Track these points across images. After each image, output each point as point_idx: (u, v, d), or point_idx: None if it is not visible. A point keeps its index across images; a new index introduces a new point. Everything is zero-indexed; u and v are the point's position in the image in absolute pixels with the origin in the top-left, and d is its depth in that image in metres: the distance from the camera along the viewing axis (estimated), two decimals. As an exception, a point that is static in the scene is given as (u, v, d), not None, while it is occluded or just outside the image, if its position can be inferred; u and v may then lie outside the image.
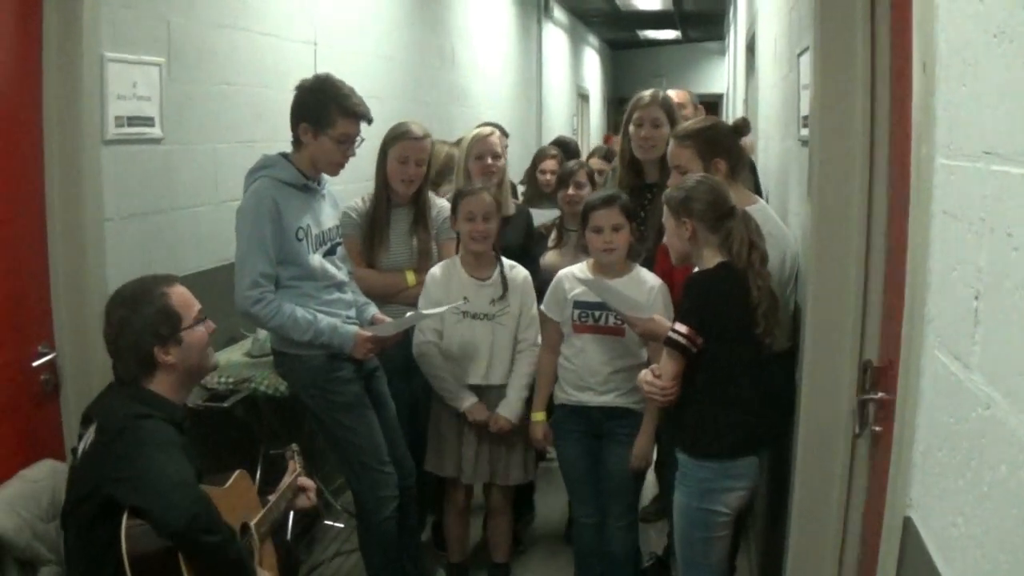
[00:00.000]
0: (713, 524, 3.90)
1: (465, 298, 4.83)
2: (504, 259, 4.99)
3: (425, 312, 4.72)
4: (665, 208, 3.94)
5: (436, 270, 4.98)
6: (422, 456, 5.10)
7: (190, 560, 2.99)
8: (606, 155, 6.93)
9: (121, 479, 3.01)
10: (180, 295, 3.48)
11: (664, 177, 5.03)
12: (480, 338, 4.90)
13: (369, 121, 4.47)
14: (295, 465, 3.98)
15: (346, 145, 4.40)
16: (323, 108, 4.34)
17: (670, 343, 3.78)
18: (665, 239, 4.04)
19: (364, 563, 4.90)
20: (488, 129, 5.73)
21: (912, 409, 1.94)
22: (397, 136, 5.13)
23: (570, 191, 5.60)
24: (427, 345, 4.89)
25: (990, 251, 1.52)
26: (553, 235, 5.72)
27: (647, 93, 5.33)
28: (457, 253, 5.03)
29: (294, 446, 4.09)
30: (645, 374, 3.93)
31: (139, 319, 3.37)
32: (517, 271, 4.99)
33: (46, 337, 4.07)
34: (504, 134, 6.36)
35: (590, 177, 5.76)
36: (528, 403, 5.00)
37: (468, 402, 4.89)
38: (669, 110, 5.24)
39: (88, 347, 4.06)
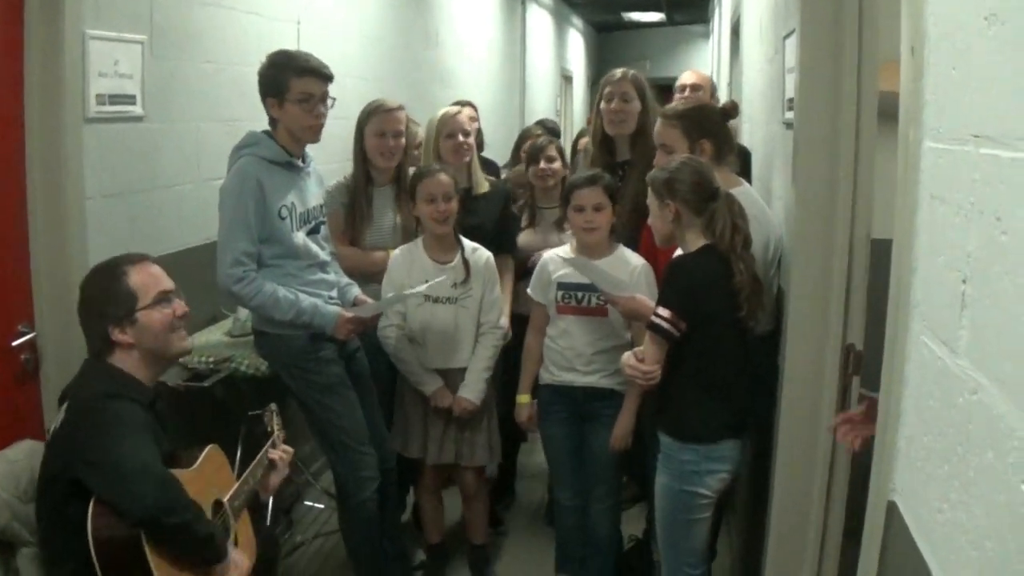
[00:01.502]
0: (695, 507, 3.90)
1: (427, 281, 4.80)
2: (465, 241, 4.98)
3: (407, 292, 4.71)
4: (649, 189, 3.93)
5: (398, 252, 4.98)
6: (403, 437, 5.08)
7: (158, 543, 2.98)
8: None
9: (86, 463, 2.99)
10: (142, 274, 3.41)
11: (636, 155, 5.12)
12: (443, 322, 4.90)
13: (329, 78, 4.42)
14: (272, 428, 3.96)
15: (311, 104, 4.35)
16: (279, 76, 4.33)
17: (653, 327, 3.77)
18: (649, 220, 4.02)
19: (344, 544, 4.91)
20: (455, 108, 5.72)
21: (897, 394, 1.93)
22: (371, 112, 5.16)
23: (541, 165, 5.59)
24: (391, 329, 4.89)
25: (979, 235, 1.51)
26: (525, 214, 5.71)
27: (618, 71, 5.43)
28: (418, 236, 5.02)
29: (272, 406, 4.06)
30: (628, 357, 3.92)
31: (97, 297, 3.35)
32: (479, 253, 4.99)
33: (26, 316, 4.05)
34: (472, 107, 6.38)
35: (560, 153, 5.74)
36: (496, 385, 5.06)
37: (433, 386, 4.89)
38: (640, 86, 5.32)
39: (68, 327, 4.02)
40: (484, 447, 5.03)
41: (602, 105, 5.34)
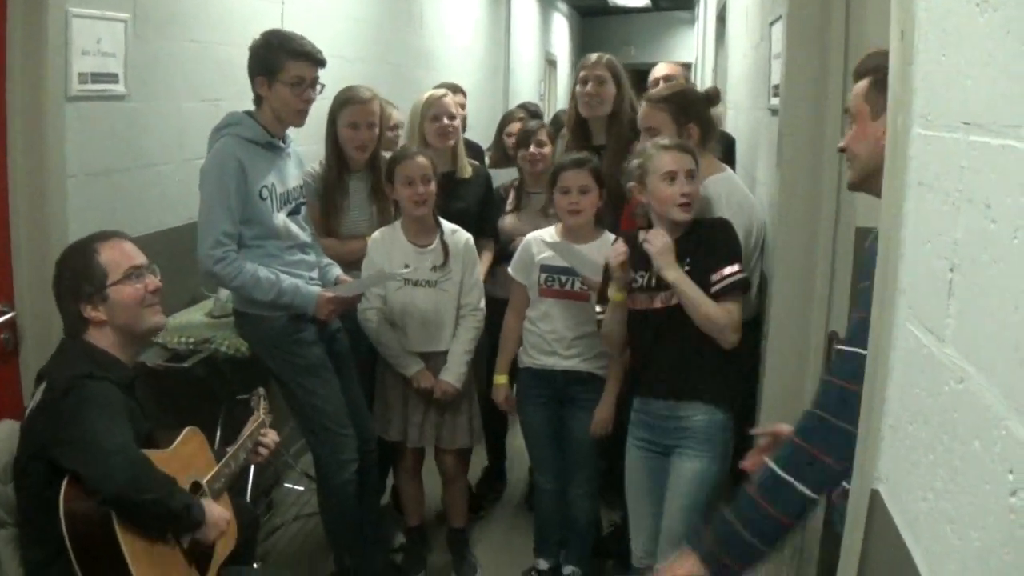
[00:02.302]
0: (723, 488, 3.90)
1: (406, 265, 4.80)
2: (445, 223, 4.97)
3: (389, 272, 4.70)
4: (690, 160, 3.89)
5: (377, 235, 4.96)
6: (383, 419, 5.08)
7: (134, 522, 2.98)
8: None
9: (60, 442, 2.99)
10: (113, 250, 3.41)
11: (611, 138, 5.12)
12: (422, 305, 4.89)
13: (322, 63, 4.43)
14: (259, 413, 3.94)
15: (300, 88, 4.35)
16: (273, 56, 4.32)
17: (738, 285, 3.75)
18: (692, 191, 3.93)
19: (324, 527, 4.92)
20: (441, 91, 5.72)
21: (882, 381, 1.93)
22: (344, 101, 5.11)
23: (531, 150, 5.57)
24: (371, 312, 4.88)
25: (967, 223, 1.50)
26: (511, 197, 5.70)
27: (594, 54, 5.49)
28: (395, 219, 5.01)
29: (260, 390, 4.05)
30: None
31: (68, 276, 3.35)
32: (458, 235, 4.98)
33: (6, 296, 4.03)
34: (462, 93, 6.38)
35: (551, 138, 5.72)
36: (479, 367, 5.06)
37: (414, 368, 4.88)
38: (615, 70, 5.36)
39: (48, 306, 3.99)
40: (465, 430, 5.02)
41: (577, 88, 5.38)
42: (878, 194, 2.61)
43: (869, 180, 2.72)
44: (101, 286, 3.33)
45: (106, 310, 3.34)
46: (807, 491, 2.45)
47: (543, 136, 5.62)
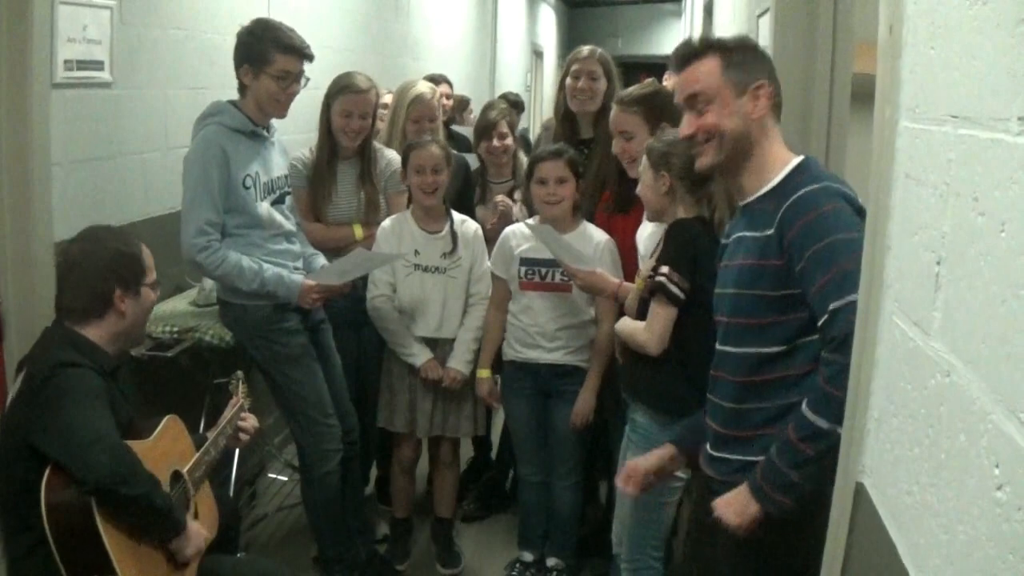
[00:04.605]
0: (668, 488, 3.88)
1: (416, 251, 4.83)
2: (455, 213, 4.97)
3: (370, 253, 4.70)
4: (645, 157, 3.86)
5: (387, 223, 4.96)
6: (367, 410, 5.11)
7: (114, 514, 2.96)
8: None
9: (42, 431, 2.98)
10: (149, 255, 3.47)
11: (599, 133, 5.07)
12: (431, 291, 4.89)
13: (310, 58, 4.43)
14: (238, 397, 3.94)
15: (286, 82, 4.35)
16: (261, 47, 4.31)
17: (661, 288, 3.63)
18: (639, 190, 3.94)
19: (307, 517, 4.89)
20: (429, 89, 5.65)
21: (867, 374, 1.93)
22: (340, 89, 5.06)
23: (494, 143, 5.55)
24: (381, 299, 4.87)
25: (954, 216, 1.49)
26: (476, 190, 5.69)
27: (586, 48, 5.42)
28: (409, 207, 5.00)
29: (239, 373, 4.04)
30: (626, 326, 3.87)
31: (111, 255, 3.34)
32: (468, 224, 4.99)
33: (-11, 283, 4.00)
34: (447, 83, 6.35)
35: (512, 129, 5.69)
36: (477, 356, 5.02)
37: (423, 358, 4.87)
38: (606, 65, 5.30)
39: (33, 294, 3.99)
40: (468, 418, 5.05)
41: (568, 82, 5.31)
42: None
43: None
44: (138, 281, 3.37)
45: (131, 305, 3.36)
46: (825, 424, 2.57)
47: (504, 127, 5.58)
